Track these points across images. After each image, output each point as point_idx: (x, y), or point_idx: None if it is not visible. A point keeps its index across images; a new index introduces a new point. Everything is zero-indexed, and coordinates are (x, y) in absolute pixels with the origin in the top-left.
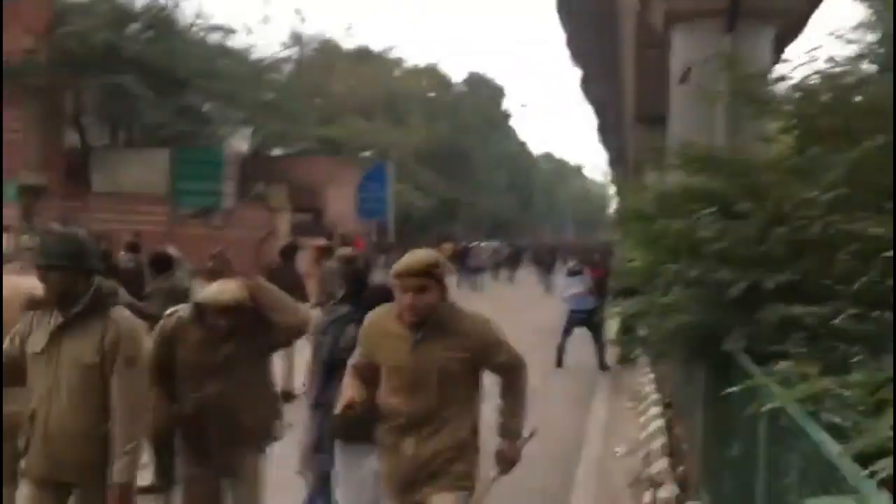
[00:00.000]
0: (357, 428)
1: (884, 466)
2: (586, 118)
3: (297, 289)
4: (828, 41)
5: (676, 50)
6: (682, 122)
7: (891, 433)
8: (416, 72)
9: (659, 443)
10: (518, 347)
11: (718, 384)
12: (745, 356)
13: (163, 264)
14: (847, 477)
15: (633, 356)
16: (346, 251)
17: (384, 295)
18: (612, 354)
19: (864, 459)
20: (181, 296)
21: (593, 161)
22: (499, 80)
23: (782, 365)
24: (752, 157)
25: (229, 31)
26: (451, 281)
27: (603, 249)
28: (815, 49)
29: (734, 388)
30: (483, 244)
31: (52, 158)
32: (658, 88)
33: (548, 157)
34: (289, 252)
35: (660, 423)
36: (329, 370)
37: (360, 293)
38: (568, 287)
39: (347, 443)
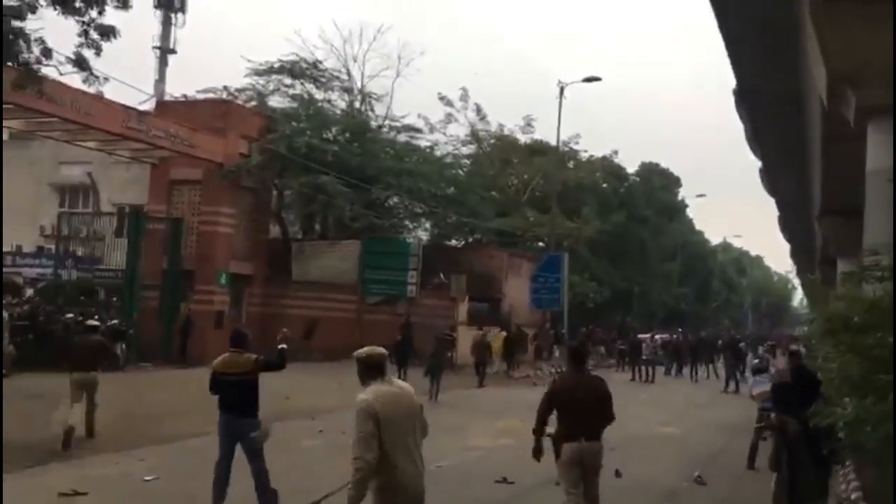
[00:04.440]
0: None
1: None
2: (766, 207)
3: None
4: None
5: (872, 143)
6: (881, 219)
7: None
8: (591, 163)
9: None
10: (702, 447)
11: None
12: None
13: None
14: None
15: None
16: None
17: None
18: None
19: None
20: None
21: (773, 250)
22: (676, 170)
23: None
24: None
25: (416, 131)
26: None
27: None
28: None
29: None
30: (657, 336)
31: (258, 250)
32: (848, 181)
33: (727, 246)
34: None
35: None
36: None
37: None
38: (755, 385)
39: None
